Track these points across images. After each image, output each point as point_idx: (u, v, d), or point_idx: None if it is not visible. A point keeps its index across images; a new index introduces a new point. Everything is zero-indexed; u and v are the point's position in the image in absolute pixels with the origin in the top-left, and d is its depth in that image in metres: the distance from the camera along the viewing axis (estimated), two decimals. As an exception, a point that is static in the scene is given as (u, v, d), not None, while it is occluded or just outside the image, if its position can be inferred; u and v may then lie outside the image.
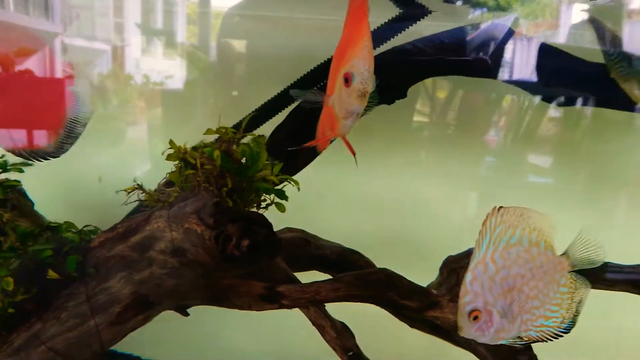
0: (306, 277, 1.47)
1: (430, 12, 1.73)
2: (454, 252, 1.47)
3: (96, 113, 2.01)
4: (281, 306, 1.32)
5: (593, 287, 1.41)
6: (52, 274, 1.18)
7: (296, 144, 1.70)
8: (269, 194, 1.19)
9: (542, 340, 1.03)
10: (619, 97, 1.68)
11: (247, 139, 1.24)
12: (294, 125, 1.79)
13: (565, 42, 1.95)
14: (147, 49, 2.07)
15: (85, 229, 1.28)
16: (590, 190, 2.16)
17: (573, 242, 1.05)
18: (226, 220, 1.11)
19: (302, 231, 1.53)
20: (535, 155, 2.22)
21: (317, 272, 1.56)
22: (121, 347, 1.80)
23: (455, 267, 1.43)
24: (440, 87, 2.19)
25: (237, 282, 1.27)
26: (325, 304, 1.46)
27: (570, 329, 1.04)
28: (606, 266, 1.38)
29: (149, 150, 2.12)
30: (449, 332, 1.45)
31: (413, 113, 2.19)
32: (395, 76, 1.76)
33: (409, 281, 1.40)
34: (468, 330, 0.99)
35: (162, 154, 1.19)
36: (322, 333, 1.44)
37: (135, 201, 1.22)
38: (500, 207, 1.01)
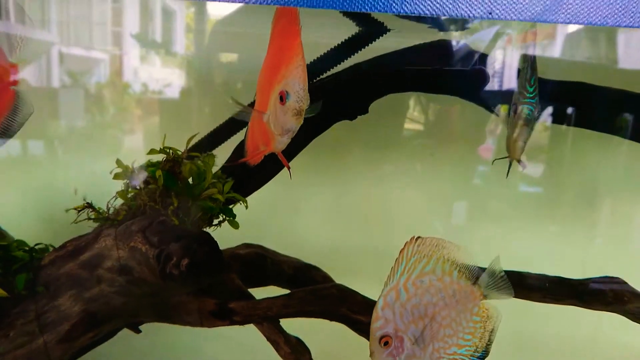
0: (266, 292, 1.48)
1: (388, 30, 1.76)
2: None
3: (93, 121, 2.04)
4: (232, 322, 1.33)
5: (542, 301, 1.45)
6: (1, 292, 1.19)
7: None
8: (214, 213, 1.20)
9: None
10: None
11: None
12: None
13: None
14: (145, 58, 2.09)
15: (36, 247, 1.30)
16: (577, 201, 2.17)
17: (484, 273, 1.06)
18: (170, 238, 1.12)
19: (261, 247, 1.55)
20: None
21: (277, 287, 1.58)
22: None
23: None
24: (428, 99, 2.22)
25: (188, 299, 1.28)
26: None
27: (483, 358, 1.05)
28: (553, 280, 1.40)
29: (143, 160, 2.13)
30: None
31: (393, 125, 2.22)
32: (357, 92, 1.79)
33: (363, 296, 1.41)
34: (379, 356, 1.00)
35: (110, 172, 1.20)
36: (277, 349, 1.45)
37: (85, 219, 1.24)
38: (418, 237, 1.03)
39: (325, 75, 1.79)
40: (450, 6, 0.82)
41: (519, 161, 1.37)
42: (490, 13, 0.83)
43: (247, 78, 2.00)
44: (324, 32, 1.99)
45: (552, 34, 2.01)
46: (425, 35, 1.82)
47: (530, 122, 1.33)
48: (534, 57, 1.40)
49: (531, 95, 1.32)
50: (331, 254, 2.10)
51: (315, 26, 2.05)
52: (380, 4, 0.82)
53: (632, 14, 0.83)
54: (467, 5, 0.82)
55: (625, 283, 1.38)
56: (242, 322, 1.33)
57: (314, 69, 1.82)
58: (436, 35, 1.81)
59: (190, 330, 2.24)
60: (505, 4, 0.82)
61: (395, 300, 0.99)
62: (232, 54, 2.15)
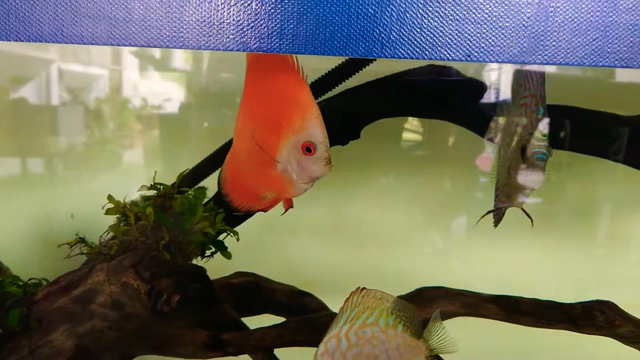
0: (260, 319, 1.49)
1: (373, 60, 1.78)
2: (428, 284, 1.50)
3: (93, 137, 2.06)
4: (226, 354, 1.33)
5: (534, 326, 1.45)
6: (-6, 329, 1.20)
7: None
8: (206, 247, 1.21)
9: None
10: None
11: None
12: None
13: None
14: (144, 73, 2.11)
15: (29, 281, 1.31)
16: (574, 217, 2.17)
17: (428, 328, 1.05)
18: (161, 274, 1.14)
19: (254, 275, 1.56)
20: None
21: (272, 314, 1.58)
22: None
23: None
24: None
25: (180, 331, 1.29)
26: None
27: None
28: (545, 304, 1.41)
29: (143, 176, 2.14)
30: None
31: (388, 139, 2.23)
32: (349, 118, 1.81)
33: (355, 324, 1.42)
34: None
35: (102, 208, 1.22)
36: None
37: (77, 254, 1.25)
38: (363, 288, 1.03)
39: (317, 100, 1.81)
40: (430, 50, 0.84)
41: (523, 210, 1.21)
42: (469, 56, 0.84)
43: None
44: (316, 57, 2.01)
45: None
46: (417, 60, 1.84)
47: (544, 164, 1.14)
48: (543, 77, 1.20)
49: (544, 136, 1.14)
50: (327, 275, 2.10)
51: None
52: (361, 48, 0.84)
53: (607, 55, 0.85)
54: (447, 49, 0.84)
55: (617, 307, 1.39)
56: (236, 353, 1.34)
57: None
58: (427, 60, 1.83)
59: None
60: (483, 47, 0.84)
61: (336, 348, 0.98)
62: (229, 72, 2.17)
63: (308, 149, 0.95)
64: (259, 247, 2.15)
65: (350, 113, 1.83)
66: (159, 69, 2.13)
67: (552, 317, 1.40)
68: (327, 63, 1.83)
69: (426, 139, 2.28)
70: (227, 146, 1.89)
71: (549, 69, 1.90)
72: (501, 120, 1.59)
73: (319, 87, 1.83)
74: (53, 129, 2.08)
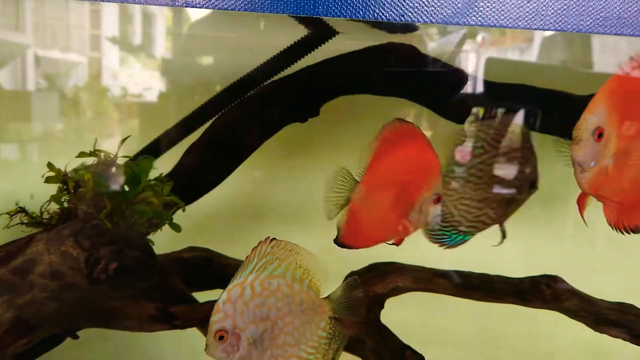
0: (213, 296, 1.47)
1: (337, 33, 1.77)
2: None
3: (70, 125, 2.00)
4: (173, 327, 1.32)
5: (484, 300, 1.47)
6: None
7: (212, 162, 1.72)
8: (149, 216, 1.19)
9: None
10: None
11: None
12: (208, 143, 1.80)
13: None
14: (124, 61, 2.06)
15: (-32, 253, 1.27)
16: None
17: (336, 289, 1.04)
18: (102, 242, 1.11)
19: (207, 250, 1.54)
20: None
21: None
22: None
23: (355, 283, 1.46)
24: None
25: (126, 303, 1.27)
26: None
27: None
28: (494, 279, 1.42)
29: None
30: (348, 347, 1.48)
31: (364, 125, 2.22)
32: (307, 94, 1.79)
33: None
34: (213, 350, 0.97)
35: (42, 176, 1.18)
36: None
37: (17, 224, 1.21)
38: (273, 238, 1.01)
39: (276, 77, 1.80)
40: (363, 10, 0.83)
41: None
42: (402, 16, 0.84)
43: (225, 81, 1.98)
44: (277, 32, 1.99)
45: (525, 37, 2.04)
46: (375, 38, 1.83)
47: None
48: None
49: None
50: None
51: (268, 27, 2.05)
52: (293, 6, 0.83)
53: (542, 17, 0.85)
54: (380, 9, 0.83)
55: (564, 281, 1.41)
56: (183, 326, 1.32)
57: (265, 71, 1.83)
58: (385, 38, 1.82)
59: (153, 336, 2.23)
60: (416, 8, 0.83)
61: (239, 297, 0.97)
62: (209, 57, 2.14)
63: (438, 200, 1.20)
64: (220, 229, 2.13)
65: (309, 90, 1.81)
66: (138, 56, 2.09)
67: (501, 291, 1.42)
68: (285, 41, 1.82)
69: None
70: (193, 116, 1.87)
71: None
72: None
73: (276, 64, 1.82)
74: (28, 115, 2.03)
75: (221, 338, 0.96)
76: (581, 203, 1.12)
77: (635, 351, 2.08)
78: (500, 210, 1.34)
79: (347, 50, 1.82)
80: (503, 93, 1.69)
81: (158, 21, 2.07)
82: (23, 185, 1.96)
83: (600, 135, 0.99)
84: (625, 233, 1.07)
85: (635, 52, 1.03)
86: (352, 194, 1.18)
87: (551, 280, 1.39)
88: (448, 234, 1.33)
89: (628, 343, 1.75)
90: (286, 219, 2.21)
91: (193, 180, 1.60)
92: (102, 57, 2.02)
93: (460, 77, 1.85)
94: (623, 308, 1.39)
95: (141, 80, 2.06)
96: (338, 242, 1.20)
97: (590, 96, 1.66)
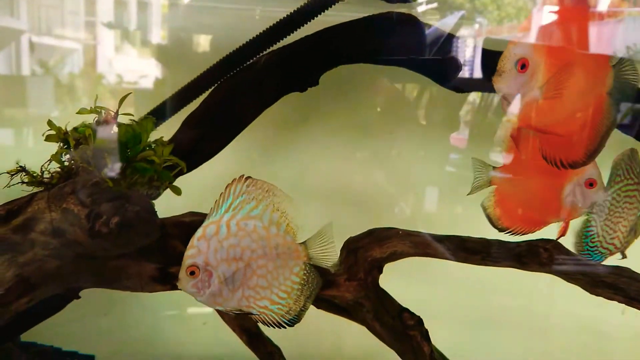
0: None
1: (337, 1, 1.76)
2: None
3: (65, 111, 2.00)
4: (173, 287, 1.32)
5: (481, 264, 1.48)
6: None
7: (210, 132, 1.72)
8: (149, 175, 1.20)
9: (266, 324, 1.00)
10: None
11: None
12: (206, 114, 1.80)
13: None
14: (120, 47, 2.05)
15: (-31, 213, 1.27)
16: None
17: (314, 235, 1.03)
18: (103, 200, 1.12)
19: (206, 215, 1.54)
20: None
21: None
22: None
23: (354, 248, 1.47)
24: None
25: (127, 263, 1.28)
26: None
27: (294, 323, 1.02)
28: (492, 243, 1.43)
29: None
30: (347, 310, 1.49)
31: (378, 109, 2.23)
32: (307, 64, 1.79)
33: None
34: (185, 284, 0.98)
35: (42, 135, 1.19)
36: (221, 315, 1.45)
37: (18, 183, 1.22)
38: (248, 177, 1.00)
39: (275, 46, 1.79)
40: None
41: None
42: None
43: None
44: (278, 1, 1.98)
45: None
46: (374, 8, 1.83)
47: None
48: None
49: None
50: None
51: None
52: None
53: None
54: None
55: (560, 245, 1.42)
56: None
57: (264, 40, 1.82)
58: (384, 8, 1.82)
59: (151, 310, 2.24)
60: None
61: (214, 235, 0.97)
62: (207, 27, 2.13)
63: (590, 184, 1.23)
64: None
65: (308, 60, 1.81)
66: (134, 43, 2.07)
67: (499, 255, 1.43)
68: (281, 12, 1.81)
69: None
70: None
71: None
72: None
73: (277, 32, 1.81)
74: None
75: (192, 273, 0.96)
76: (515, 137, 1.10)
77: (628, 329, 2.11)
78: (626, 237, 1.39)
79: (346, 19, 1.82)
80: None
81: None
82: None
83: (523, 67, 0.95)
84: (560, 167, 1.05)
85: None
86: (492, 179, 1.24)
87: (548, 244, 1.40)
88: (591, 252, 1.37)
89: (622, 321, 1.78)
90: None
91: (191, 150, 1.60)
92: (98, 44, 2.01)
93: (459, 47, 1.85)
94: (618, 271, 1.40)
95: (137, 68, 2.05)
96: (497, 227, 1.31)
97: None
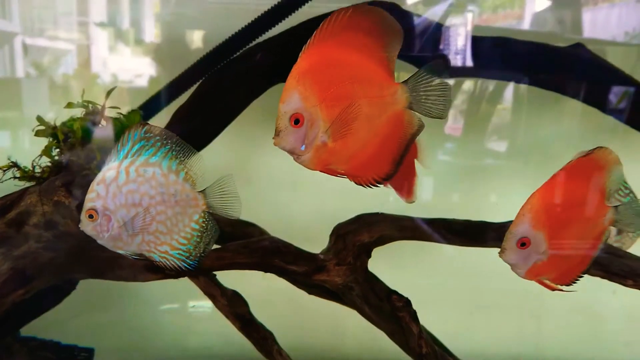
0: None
1: (316, -6, 1.77)
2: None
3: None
4: (166, 276, 1.36)
5: (467, 245, 1.51)
6: None
7: (200, 124, 1.74)
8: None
9: (167, 268, 1.04)
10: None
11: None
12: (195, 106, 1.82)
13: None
14: (113, 48, 2.07)
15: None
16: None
17: (212, 185, 1.05)
18: (93, 191, 1.14)
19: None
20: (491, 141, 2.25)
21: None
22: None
23: (343, 233, 1.50)
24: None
25: (119, 253, 1.30)
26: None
27: (194, 267, 1.05)
28: (477, 224, 1.46)
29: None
30: (337, 294, 1.52)
31: None
32: (294, 54, 1.81)
33: (296, 247, 1.46)
34: (85, 227, 1.00)
35: (33, 130, 1.21)
36: (214, 301, 1.49)
37: (10, 178, 1.24)
38: (146, 123, 1.01)
39: (261, 38, 1.81)
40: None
41: None
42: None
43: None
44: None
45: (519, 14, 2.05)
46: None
47: None
48: None
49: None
50: (285, 221, 2.13)
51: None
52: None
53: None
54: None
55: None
56: (176, 276, 1.36)
57: (252, 31, 1.83)
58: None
59: (150, 305, 2.27)
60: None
61: (113, 180, 0.98)
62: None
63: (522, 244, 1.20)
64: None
65: (295, 51, 1.83)
66: (127, 42, 2.09)
67: (484, 235, 1.46)
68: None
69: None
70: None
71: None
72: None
73: (258, 26, 1.82)
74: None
75: (91, 217, 0.98)
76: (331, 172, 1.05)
77: (619, 310, 2.15)
78: None
79: (331, 10, 1.84)
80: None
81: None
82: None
83: (297, 122, 0.95)
84: (376, 185, 1.04)
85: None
86: None
87: (531, 223, 1.43)
88: None
89: (614, 305, 1.80)
90: (276, 183, 2.24)
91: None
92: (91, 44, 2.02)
93: (445, 35, 1.86)
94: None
95: (132, 67, 2.06)
96: None
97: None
